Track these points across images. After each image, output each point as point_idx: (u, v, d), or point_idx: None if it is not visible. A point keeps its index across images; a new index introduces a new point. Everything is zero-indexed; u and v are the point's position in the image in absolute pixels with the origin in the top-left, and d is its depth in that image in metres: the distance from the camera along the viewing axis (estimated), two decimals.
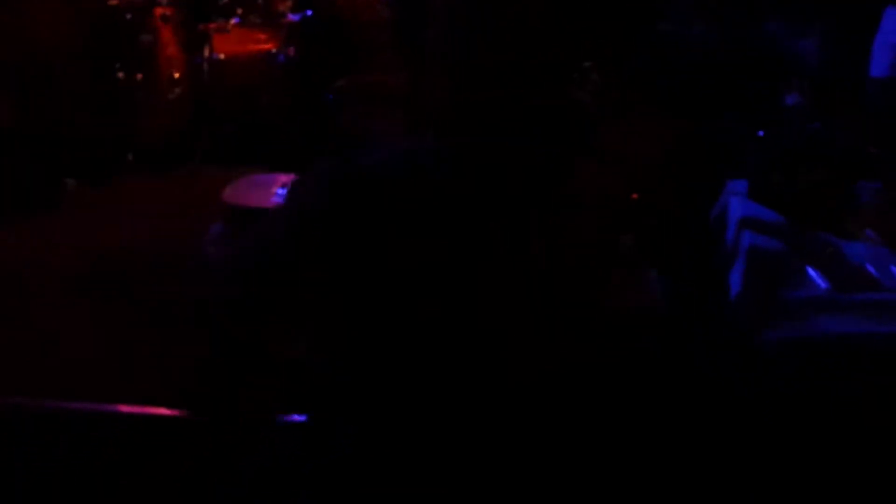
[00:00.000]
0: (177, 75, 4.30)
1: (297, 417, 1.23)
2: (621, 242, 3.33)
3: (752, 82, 3.83)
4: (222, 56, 4.32)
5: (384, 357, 1.12)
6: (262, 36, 4.49)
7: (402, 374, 1.13)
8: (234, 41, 4.43)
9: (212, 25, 4.43)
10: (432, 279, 1.12)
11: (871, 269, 2.21)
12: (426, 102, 1.16)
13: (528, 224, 1.17)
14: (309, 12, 4.67)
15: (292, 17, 4.58)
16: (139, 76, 4.21)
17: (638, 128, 3.94)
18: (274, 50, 4.43)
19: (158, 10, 4.27)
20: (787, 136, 2.81)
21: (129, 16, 4.21)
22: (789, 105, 3.20)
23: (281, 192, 3.00)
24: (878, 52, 4.64)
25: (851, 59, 4.26)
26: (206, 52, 4.34)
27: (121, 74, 4.19)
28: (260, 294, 1.14)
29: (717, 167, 3.09)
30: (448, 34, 1.12)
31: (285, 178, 3.13)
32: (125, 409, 2.50)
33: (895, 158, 2.86)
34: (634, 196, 3.49)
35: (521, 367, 1.18)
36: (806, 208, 2.50)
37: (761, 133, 2.85)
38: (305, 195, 1.17)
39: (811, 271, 2.20)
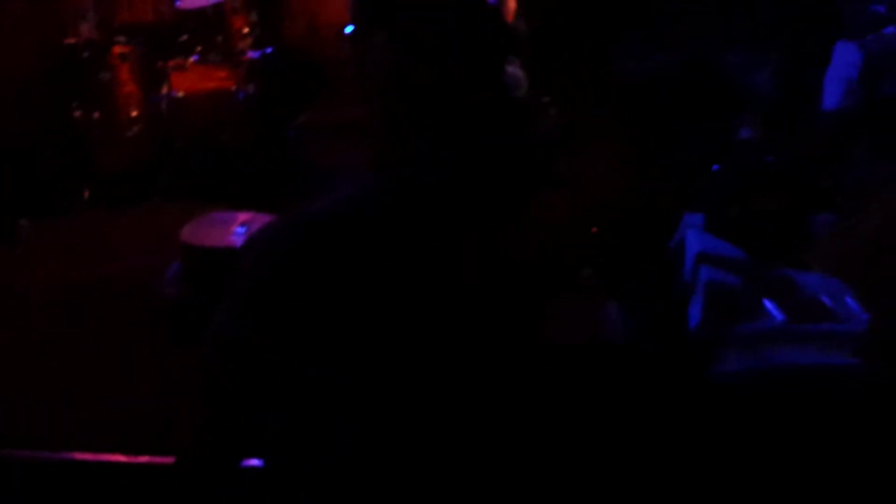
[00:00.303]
0: (135, 113, 4.27)
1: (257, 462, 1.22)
2: (581, 275, 3.35)
3: (708, 115, 3.90)
4: (181, 93, 4.30)
5: (372, 365, 1.13)
6: (222, 73, 4.48)
7: (389, 380, 1.14)
8: (194, 79, 4.41)
9: (170, 63, 4.40)
10: (406, 301, 1.14)
11: (825, 299, 2.24)
12: (376, 138, 1.18)
13: (482, 247, 1.21)
14: (269, 49, 4.68)
15: (252, 55, 4.58)
16: (96, 114, 4.17)
17: (595, 160, 3.98)
18: (234, 87, 4.42)
19: (116, 49, 4.25)
20: (741, 169, 2.86)
21: (86, 54, 4.19)
22: (743, 139, 3.25)
23: (240, 230, 2.98)
24: (829, 86, 4.74)
25: (803, 92, 4.35)
26: (165, 90, 4.31)
27: (78, 112, 4.15)
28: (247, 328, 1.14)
29: (674, 198, 3.12)
30: (385, 71, 1.13)
31: (244, 216, 3.10)
32: (84, 456, 2.45)
33: (848, 190, 2.91)
34: (594, 230, 3.52)
35: (501, 375, 1.21)
36: (761, 240, 2.54)
37: (716, 167, 2.89)
38: (275, 237, 1.18)
39: (767, 303, 2.22)
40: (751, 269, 2.36)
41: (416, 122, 1.12)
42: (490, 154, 1.18)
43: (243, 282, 1.15)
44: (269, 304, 1.13)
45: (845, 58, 4.68)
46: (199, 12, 4.52)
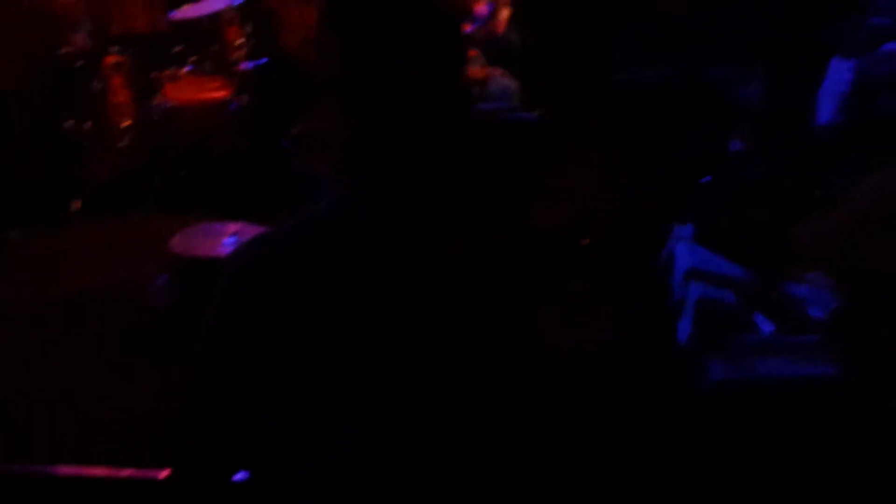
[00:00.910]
0: (127, 123, 4.27)
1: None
2: (575, 283, 3.34)
3: (697, 128, 3.91)
4: (174, 104, 4.30)
5: (370, 369, 1.14)
6: (216, 84, 4.48)
7: (388, 383, 1.15)
8: (187, 89, 4.41)
9: (164, 73, 4.41)
10: (399, 305, 1.15)
11: (814, 311, 2.24)
12: (339, 144, 1.20)
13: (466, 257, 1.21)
14: (263, 60, 4.68)
15: (246, 65, 4.58)
16: (89, 124, 4.17)
17: (585, 170, 3.99)
18: (227, 97, 4.42)
19: (110, 59, 4.25)
20: (731, 181, 2.86)
21: (79, 63, 4.19)
22: (734, 151, 3.25)
23: (230, 241, 2.97)
24: (824, 101, 4.76)
25: (793, 106, 4.36)
26: (158, 100, 4.31)
27: (69, 122, 4.15)
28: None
29: (663, 208, 3.12)
30: (339, 78, 1.15)
31: (234, 226, 3.09)
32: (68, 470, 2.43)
33: (840, 201, 2.91)
34: (587, 241, 3.52)
35: (499, 377, 1.22)
36: (751, 251, 2.53)
37: (706, 178, 2.90)
38: (264, 246, 1.19)
39: (756, 315, 2.21)
40: (740, 282, 2.36)
41: (374, 129, 1.14)
42: (457, 161, 1.19)
43: (234, 291, 1.16)
44: (263, 309, 1.13)
45: (839, 74, 4.70)
46: (194, 23, 4.53)
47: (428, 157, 1.16)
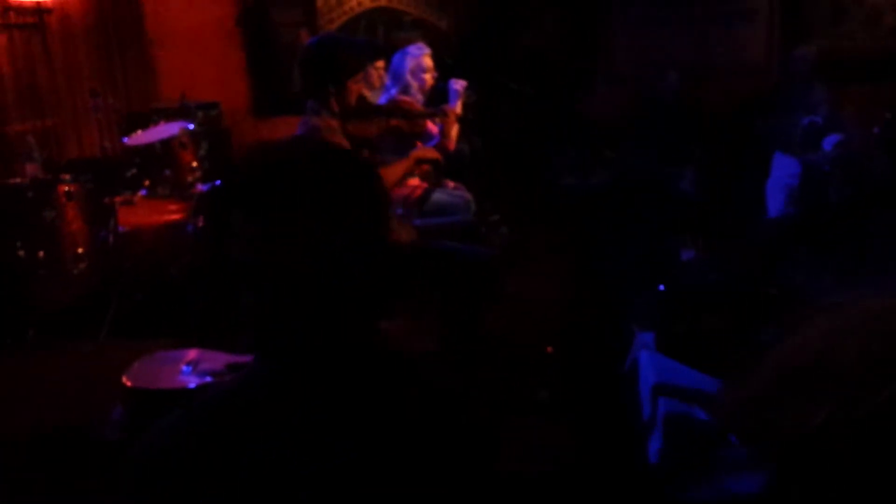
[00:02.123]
0: (80, 250, 4.22)
1: None
2: (538, 396, 3.29)
3: (651, 228, 3.98)
4: (128, 228, 4.28)
5: None
6: (171, 207, 4.47)
7: None
8: (142, 213, 4.40)
9: (117, 199, 4.40)
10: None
11: None
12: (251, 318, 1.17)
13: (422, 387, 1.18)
14: (218, 182, 4.70)
15: (201, 188, 4.59)
16: (41, 253, 4.12)
17: (542, 276, 4.01)
18: (183, 220, 4.40)
19: (62, 187, 4.23)
20: (687, 289, 2.88)
21: (31, 193, 4.16)
22: (685, 260, 3.30)
23: (186, 369, 2.90)
24: (772, 195, 4.90)
25: (728, 200, 4.48)
26: (112, 226, 4.29)
27: (21, 252, 4.09)
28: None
29: (620, 313, 3.13)
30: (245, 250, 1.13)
31: (192, 353, 3.03)
32: None
33: (793, 299, 2.94)
34: (549, 349, 3.51)
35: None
36: (711, 356, 2.53)
37: (662, 287, 2.92)
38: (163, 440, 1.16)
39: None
40: (706, 393, 2.34)
41: (293, 304, 1.10)
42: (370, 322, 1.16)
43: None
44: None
45: (785, 169, 4.87)
46: (147, 147, 4.54)
47: (354, 322, 1.13)
